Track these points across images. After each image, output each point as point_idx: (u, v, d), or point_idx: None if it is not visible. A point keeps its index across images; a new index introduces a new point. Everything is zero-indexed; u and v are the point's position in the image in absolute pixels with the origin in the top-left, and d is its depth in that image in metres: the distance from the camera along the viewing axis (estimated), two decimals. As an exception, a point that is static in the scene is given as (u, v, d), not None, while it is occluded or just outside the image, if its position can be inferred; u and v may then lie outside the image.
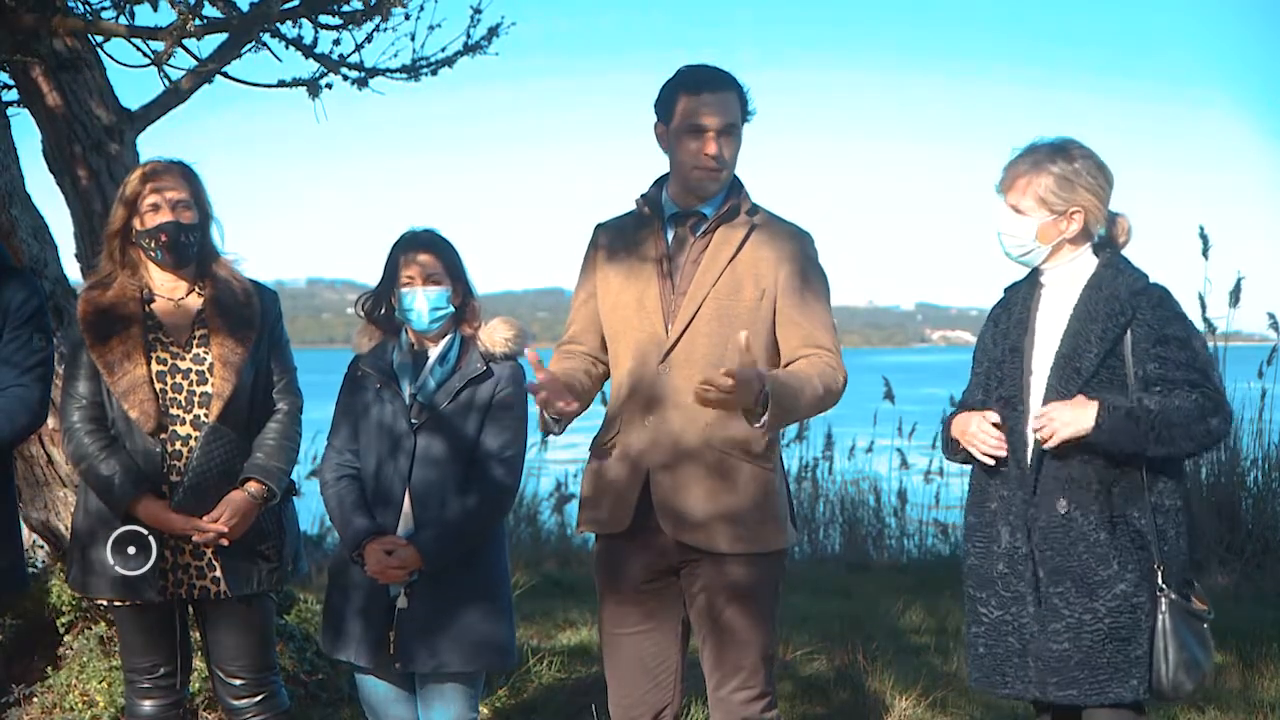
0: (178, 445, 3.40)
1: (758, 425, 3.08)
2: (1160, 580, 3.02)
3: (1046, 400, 3.08)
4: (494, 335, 3.46)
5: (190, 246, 3.45)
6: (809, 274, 3.28)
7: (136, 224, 3.42)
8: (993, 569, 3.15)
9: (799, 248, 3.28)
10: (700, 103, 3.20)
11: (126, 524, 3.36)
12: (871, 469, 9.66)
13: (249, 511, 3.41)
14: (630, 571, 3.28)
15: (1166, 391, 3.01)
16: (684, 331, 3.20)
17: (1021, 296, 3.24)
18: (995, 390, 3.20)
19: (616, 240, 3.35)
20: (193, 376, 3.43)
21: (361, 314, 3.53)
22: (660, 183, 3.36)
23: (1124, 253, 3.20)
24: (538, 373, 3.15)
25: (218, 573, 3.42)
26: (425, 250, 3.43)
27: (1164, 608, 3.01)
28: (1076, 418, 3.00)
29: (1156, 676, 3.01)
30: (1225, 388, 3.12)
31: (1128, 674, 3.01)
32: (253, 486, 3.42)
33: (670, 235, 3.30)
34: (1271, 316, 8.12)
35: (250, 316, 3.49)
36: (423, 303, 3.39)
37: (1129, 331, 3.05)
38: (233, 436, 3.41)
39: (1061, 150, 3.13)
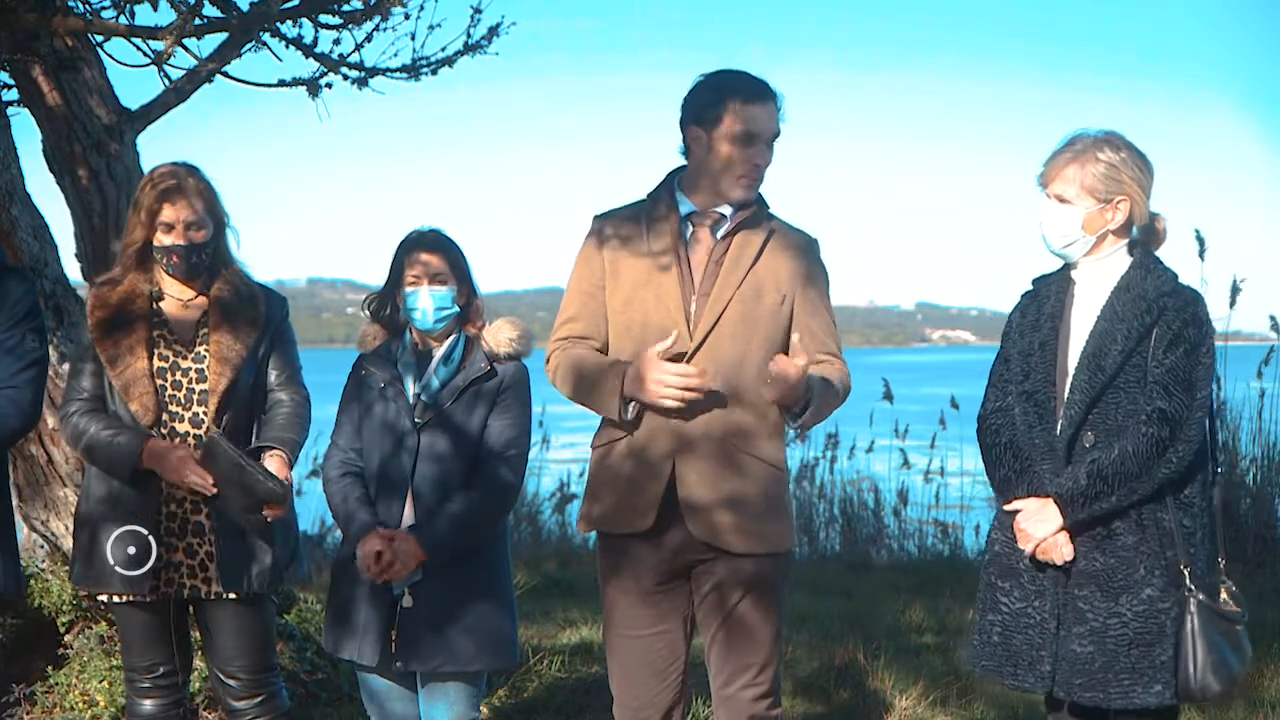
0: (176, 442, 3.41)
1: (795, 425, 3.17)
2: (1188, 581, 3.00)
3: (1072, 398, 3.07)
4: (498, 335, 3.46)
5: (201, 264, 3.48)
6: (820, 281, 3.34)
7: (154, 239, 3.44)
8: (1019, 560, 3.14)
9: (811, 254, 3.34)
10: (755, 112, 3.20)
11: (133, 486, 3.37)
12: (871, 469, 9.68)
13: (282, 469, 3.40)
14: (642, 574, 3.27)
15: (1120, 431, 3.01)
16: (710, 332, 3.20)
17: (1055, 291, 3.22)
18: (1021, 384, 3.18)
19: (625, 233, 3.32)
20: (193, 374, 3.44)
21: (367, 313, 3.53)
22: (670, 179, 3.35)
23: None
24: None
25: (210, 573, 3.42)
26: (431, 250, 3.43)
27: (1192, 608, 2.99)
28: (1042, 524, 3.06)
29: (1184, 678, 2.99)
30: (1210, 402, 3.07)
31: (1153, 679, 2.99)
32: (279, 453, 3.42)
33: (687, 233, 3.29)
34: (1272, 318, 8.12)
35: (254, 317, 3.50)
36: (427, 302, 3.39)
37: (1154, 331, 3.04)
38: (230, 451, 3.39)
39: (1107, 141, 3.12)
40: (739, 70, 3.29)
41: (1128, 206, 3.10)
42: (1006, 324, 3.31)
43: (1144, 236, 3.18)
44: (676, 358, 3.16)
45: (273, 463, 3.40)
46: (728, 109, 3.20)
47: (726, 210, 3.27)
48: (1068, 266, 3.22)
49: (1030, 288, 3.31)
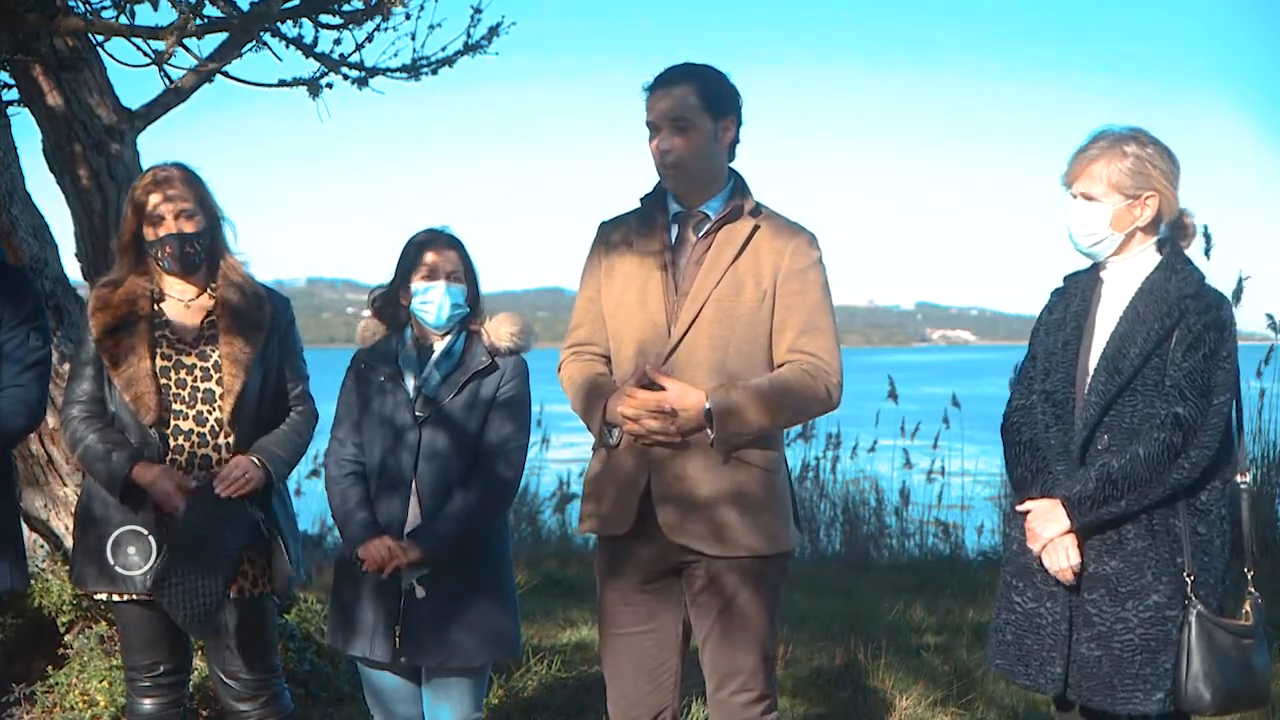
0: (180, 440, 3.41)
1: (709, 442, 3.12)
2: (1189, 590, 2.96)
3: (1089, 400, 3.04)
4: (499, 329, 3.47)
5: (196, 255, 3.47)
6: (807, 275, 3.23)
7: (147, 234, 3.44)
8: (1033, 560, 3.11)
9: (800, 248, 3.24)
10: (650, 101, 3.22)
11: (124, 500, 3.37)
12: (873, 468, 9.67)
13: (247, 468, 3.39)
14: (631, 572, 3.27)
15: (1135, 435, 2.98)
16: (686, 333, 3.19)
17: (1082, 289, 3.19)
18: (1041, 383, 3.15)
19: (620, 239, 3.34)
20: (197, 373, 3.44)
21: (369, 309, 3.53)
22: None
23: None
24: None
25: None
26: (446, 247, 3.46)
27: (1191, 618, 2.95)
28: (1051, 524, 3.03)
29: (1179, 688, 2.96)
30: (1229, 408, 3.02)
31: (1155, 686, 2.96)
32: (252, 457, 3.43)
33: (674, 235, 3.29)
34: (1270, 317, 8.11)
35: (260, 319, 3.50)
36: (443, 298, 3.40)
37: (1174, 333, 2.99)
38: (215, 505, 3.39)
39: (1133, 136, 3.08)
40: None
41: (1156, 202, 3.06)
42: (1036, 321, 3.28)
43: (1173, 233, 3.12)
44: (651, 385, 3.15)
45: (241, 460, 3.40)
46: (646, 106, 3.24)
47: (710, 209, 3.26)
48: (1097, 265, 3.17)
49: (1061, 284, 3.26)
